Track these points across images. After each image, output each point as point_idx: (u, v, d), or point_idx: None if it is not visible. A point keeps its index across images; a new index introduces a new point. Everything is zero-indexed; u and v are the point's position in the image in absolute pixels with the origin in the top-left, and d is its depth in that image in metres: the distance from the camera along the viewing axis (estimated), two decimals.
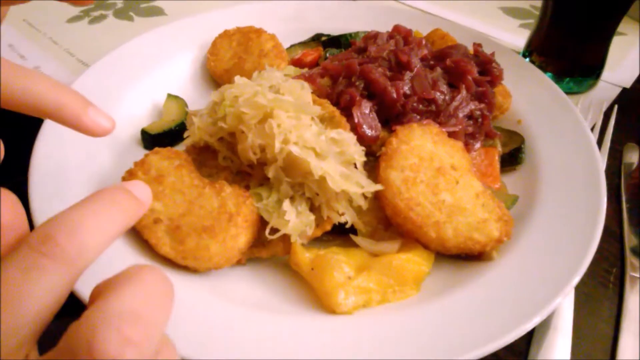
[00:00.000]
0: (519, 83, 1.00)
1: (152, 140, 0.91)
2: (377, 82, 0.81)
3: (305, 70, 0.94)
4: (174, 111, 0.96)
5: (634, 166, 0.98)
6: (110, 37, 1.32)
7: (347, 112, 0.81)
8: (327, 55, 1.02)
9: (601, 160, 0.84)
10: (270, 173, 0.72)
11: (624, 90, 1.19)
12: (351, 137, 0.74)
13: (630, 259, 0.81)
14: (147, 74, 1.03)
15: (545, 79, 1.00)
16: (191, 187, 0.73)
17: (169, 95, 0.99)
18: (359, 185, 0.71)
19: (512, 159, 0.87)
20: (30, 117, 0.56)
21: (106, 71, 1.00)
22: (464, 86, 0.82)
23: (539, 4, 1.14)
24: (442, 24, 1.15)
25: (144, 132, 0.92)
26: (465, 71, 0.82)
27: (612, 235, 0.85)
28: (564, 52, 1.15)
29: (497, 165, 0.85)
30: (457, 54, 0.85)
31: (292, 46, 1.11)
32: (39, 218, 0.72)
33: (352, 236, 0.73)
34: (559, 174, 0.84)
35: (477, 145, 0.85)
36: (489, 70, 0.86)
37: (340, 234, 0.74)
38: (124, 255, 0.70)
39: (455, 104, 0.80)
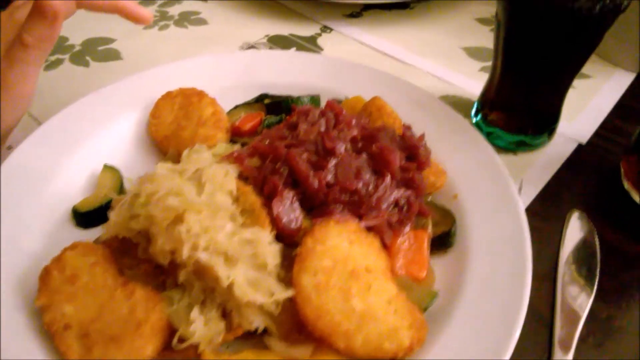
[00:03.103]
0: (460, 152, 0.98)
1: (82, 218, 0.91)
2: (300, 171, 0.79)
3: (238, 146, 0.93)
4: (107, 185, 0.95)
5: (577, 242, 0.95)
6: (64, 86, 1.30)
7: (271, 200, 0.80)
8: (266, 123, 1.00)
9: (530, 245, 0.83)
10: (181, 277, 0.71)
11: (580, 146, 1.16)
12: (266, 237, 0.73)
13: (556, 348, 0.80)
14: (86, 141, 1.02)
15: (487, 147, 0.98)
16: (103, 289, 0.73)
17: (105, 167, 0.98)
18: (269, 293, 0.70)
19: (441, 243, 0.86)
20: None
21: (43, 141, 0.99)
22: (388, 174, 0.80)
23: None
24: (399, 73, 1.13)
25: (74, 210, 0.91)
26: (389, 161, 0.80)
27: (542, 321, 0.84)
28: (516, 108, 1.12)
29: (427, 250, 0.84)
30: (385, 138, 0.84)
31: (236, 107, 1.10)
32: None
33: (265, 338, 0.73)
34: (487, 258, 0.83)
35: (407, 229, 0.83)
36: (415, 156, 0.84)
37: (255, 334, 0.74)
38: None
39: (378, 194, 0.79)
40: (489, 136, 1.14)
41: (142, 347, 0.68)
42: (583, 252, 0.94)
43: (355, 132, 0.85)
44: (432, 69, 1.36)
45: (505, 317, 0.75)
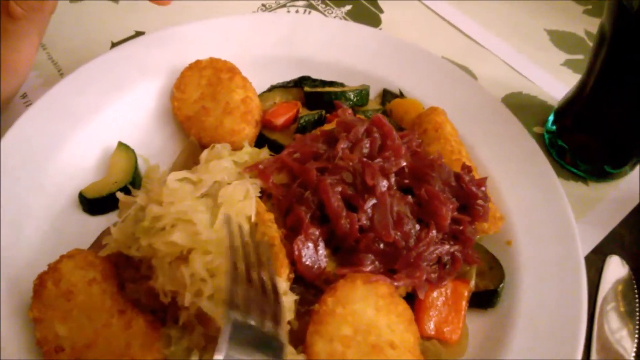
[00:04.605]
0: (522, 187, 0.83)
1: (89, 204, 0.83)
2: (331, 209, 0.68)
3: (265, 152, 0.80)
4: (119, 168, 0.86)
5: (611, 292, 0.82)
6: (89, 24, 1.17)
7: (294, 234, 0.70)
8: (302, 122, 0.87)
9: (585, 323, 0.71)
10: (182, 319, 0.64)
11: None
12: (280, 286, 0.64)
13: None
14: (101, 112, 0.91)
15: (556, 186, 0.83)
16: (100, 312, 0.66)
17: (120, 145, 0.88)
18: None
19: (483, 302, 0.74)
20: None
21: (51, 111, 0.88)
22: (434, 227, 0.68)
23: (595, 29, 0.89)
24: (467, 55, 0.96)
25: (81, 195, 0.83)
26: (439, 215, 0.67)
27: None
28: (602, 134, 0.94)
29: (463, 308, 0.73)
30: (437, 180, 0.70)
31: (272, 89, 0.95)
32: None
33: None
34: (533, 328, 0.72)
35: (446, 282, 0.72)
36: (471, 208, 0.70)
37: None
38: None
39: (419, 250, 0.67)
40: (560, 154, 0.98)
41: None
42: (621, 315, 0.81)
43: (403, 163, 0.71)
44: (507, 54, 1.16)
45: None
